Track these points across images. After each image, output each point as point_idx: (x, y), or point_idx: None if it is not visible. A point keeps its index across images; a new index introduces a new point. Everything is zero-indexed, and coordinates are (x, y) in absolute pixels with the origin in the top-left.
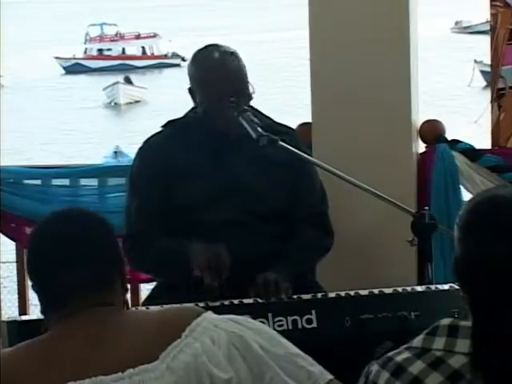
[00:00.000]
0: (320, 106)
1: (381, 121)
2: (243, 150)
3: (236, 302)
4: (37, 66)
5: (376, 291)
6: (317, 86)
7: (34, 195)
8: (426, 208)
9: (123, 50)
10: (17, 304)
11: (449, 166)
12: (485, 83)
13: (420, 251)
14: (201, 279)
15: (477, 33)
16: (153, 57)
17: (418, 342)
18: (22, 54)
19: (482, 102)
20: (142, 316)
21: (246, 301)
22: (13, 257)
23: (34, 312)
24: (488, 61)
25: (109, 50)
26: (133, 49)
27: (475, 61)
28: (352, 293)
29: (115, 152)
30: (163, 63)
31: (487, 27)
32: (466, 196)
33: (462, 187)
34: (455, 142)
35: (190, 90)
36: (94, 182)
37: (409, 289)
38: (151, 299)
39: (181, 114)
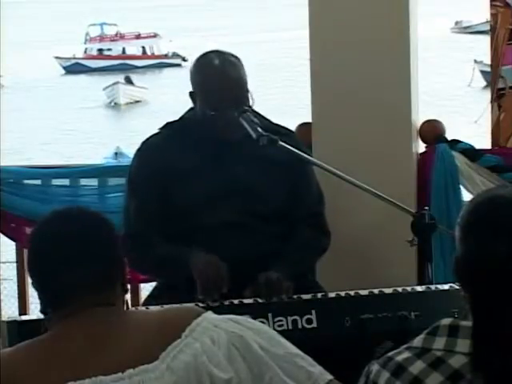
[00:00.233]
0: (320, 106)
1: (381, 121)
2: (242, 150)
3: (236, 301)
4: (37, 66)
5: (376, 291)
6: (317, 86)
7: (34, 195)
8: (426, 208)
9: (123, 49)
10: (17, 304)
11: (449, 165)
12: (485, 83)
13: (420, 251)
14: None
15: (477, 33)
16: (153, 56)
17: (418, 341)
18: (21, 54)
19: (481, 102)
20: (142, 316)
21: (245, 301)
22: (13, 257)
23: (34, 312)
24: (488, 61)
25: (109, 49)
26: (133, 49)
27: (475, 61)
28: (352, 293)
29: (116, 153)
30: (163, 63)
31: (487, 27)
32: (466, 196)
33: (462, 187)
34: (455, 142)
35: (191, 94)
36: (94, 181)
37: (409, 289)
38: (151, 299)
39: (181, 115)
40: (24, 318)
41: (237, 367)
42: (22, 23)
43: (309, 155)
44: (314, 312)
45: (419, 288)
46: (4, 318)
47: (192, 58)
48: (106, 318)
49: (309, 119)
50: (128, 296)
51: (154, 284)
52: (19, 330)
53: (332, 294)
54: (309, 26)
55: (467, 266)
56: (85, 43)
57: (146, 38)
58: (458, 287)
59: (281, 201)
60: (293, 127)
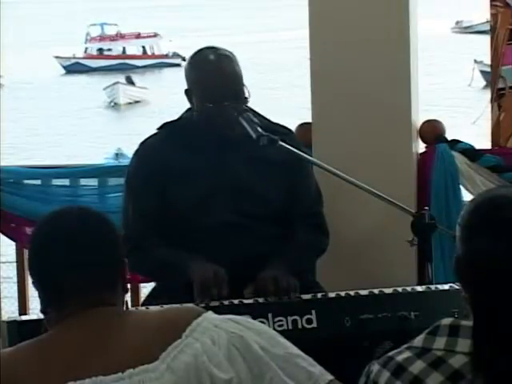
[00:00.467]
0: (320, 106)
1: (381, 121)
2: (240, 150)
3: (236, 301)
4: (37, 66)
5: (376, 291)
6: (317, 86)
7: (34, 195)
8: (426, 208)
9: (124, 49)
10: (17, 304)
11: (449, 166)
12: (485, 83)
13: (420, 251)
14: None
15: (477, 33)
16: (153, 56)
17: (418, 341)
18: (21, 54)
19: (481, 102)
20: (142, 316)
21: (246, 301)
22: (13, 257)
23: (34, 312)
24: (488, 61)
25: (109, 49)
26: (133, 48)
27: (475, 61)
28: (352, 293)
29: (116, 154)
30: (164, 63)
31: (487, 27)
32: (466, 196)
33: (462, 187)
34: (455, 142)
35: (187, 92)
36: (94, 181)
37: (409, 289)
38: (151, 299)
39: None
40: (24, 318)
41: (237, 367)
42: (21, 23)
43: (308, 155)
44: (313, 312)
45: (419, 288)
46: (4, 318)
47: None
48: (107, 317)
49: (309, 119)
50: (128, 296)
51: (153, 284)
52: (19, 329)
53: (332, 294)
54: (309, 26)
55: (468, 266)
56: (85, 43)
57: (146, 38)
58: (458, 287)
59: (280, 201)
60: (293, 127)
